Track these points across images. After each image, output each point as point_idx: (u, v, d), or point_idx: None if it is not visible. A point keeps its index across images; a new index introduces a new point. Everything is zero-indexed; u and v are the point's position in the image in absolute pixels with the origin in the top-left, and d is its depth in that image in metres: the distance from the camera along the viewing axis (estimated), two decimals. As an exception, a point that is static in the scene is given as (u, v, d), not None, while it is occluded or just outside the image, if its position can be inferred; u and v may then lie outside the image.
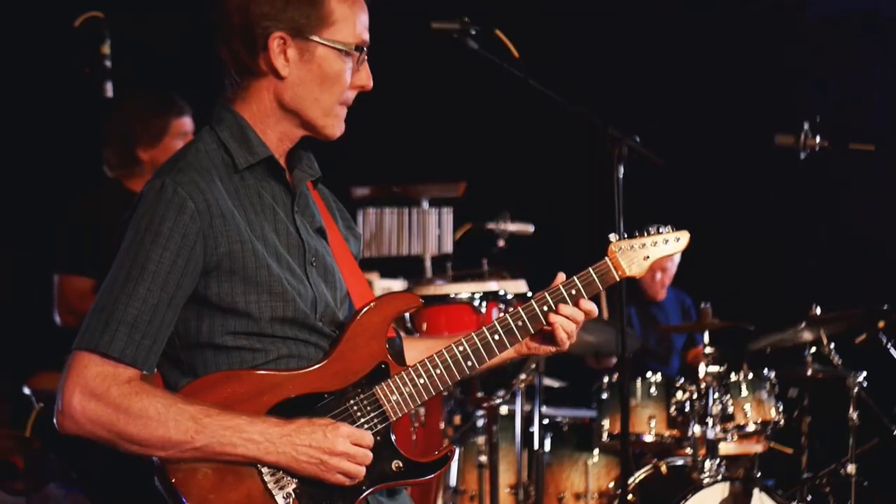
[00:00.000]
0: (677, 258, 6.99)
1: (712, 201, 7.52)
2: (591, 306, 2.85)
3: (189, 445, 2.42)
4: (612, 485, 5.86)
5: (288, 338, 2.57)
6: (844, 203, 7.50)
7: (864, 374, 5.60)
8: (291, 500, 2.50)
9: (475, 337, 2.74)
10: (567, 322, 2.83)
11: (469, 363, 2.72)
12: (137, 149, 4.86)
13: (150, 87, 5.07)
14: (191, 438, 2.42)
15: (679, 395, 5.62)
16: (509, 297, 4.87)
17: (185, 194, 2.47)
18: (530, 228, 5.94)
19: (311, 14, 2.57)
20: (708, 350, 5.59)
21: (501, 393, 5.25)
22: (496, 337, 2.76)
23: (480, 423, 5.58)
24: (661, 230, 2.99)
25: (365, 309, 2.67)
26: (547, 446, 5.83)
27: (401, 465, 2.62)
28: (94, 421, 2.41)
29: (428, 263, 6.27)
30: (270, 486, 2.49)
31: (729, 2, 7.63)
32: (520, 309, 2.80)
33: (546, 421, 5.84)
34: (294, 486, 2.50)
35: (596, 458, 5.90)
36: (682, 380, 5.68)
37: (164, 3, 6.22)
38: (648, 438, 5.66)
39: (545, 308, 2.81)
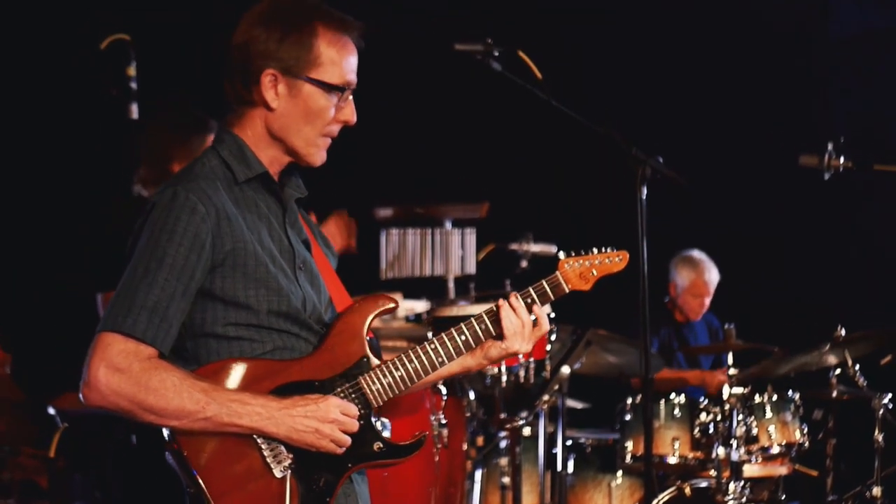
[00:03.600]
0: (716, 276, 7.01)
1: (737, 222, 7.51)
2: (542, 314, 3.17)
3: (200, 415, 2.72)
4: (635, 506, 5.83)
5: (282, 330, 2.88)
6: (869, 224, 7.47)
7: (890, 395, 5.57)
8: (288, 473, 2.80)
9: (444, 336, 3.06)
10: (513, 315, 3.11)
11: (440, 360, 3.03)
12: (172, 166, 4.89)
13: (173, 108, 5.10)
14: (202, 408, 2.71)
15: (703, 416, 5.60)
16: (532, 318, 4.86)
17: (196, 199, 2.79)
18: (553, 249, 5.92)
19: (300, 56, 2.89)
20: (732, 371, 5.57)
21: (524, 414, 5.24)
22: (462, 337, 3.07)
23: (503, 444, 5.57)
24: (604, 250, 3.27)
25: (348, 310, 3.01)
26: (570, 468, 5.81)
27: (381, 446, 2.94)
28: (118, 392, 2.70)
29: (451, 284, 6.26)
30: (269, 460, 2.79)
31: (752, 21, 7.63)
32: (482, 313, 3.10)
33: (569, 442, 5.83)
34: (289, 460, 2.80)
35: (619, 480, 5.88)
36: (706, 401, 5.66)
37: (189, 26, 6.26)
38: (672, 460, 5.64)
39: (503, 312, 3.11)
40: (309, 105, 2.93)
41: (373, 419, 2.96)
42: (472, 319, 3.10)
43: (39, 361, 5.77)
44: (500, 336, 3.12)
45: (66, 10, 6.16)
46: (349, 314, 3.00)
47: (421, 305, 5.82)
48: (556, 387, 5.32)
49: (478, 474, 5.91)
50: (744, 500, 5.28)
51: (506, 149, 7.28)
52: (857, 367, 5.71)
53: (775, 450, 5.61)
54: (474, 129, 7.16)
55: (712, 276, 7.04)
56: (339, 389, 2.91)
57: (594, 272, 3.24)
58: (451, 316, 4.85)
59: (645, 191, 4.16)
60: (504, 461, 5.54)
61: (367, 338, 3.01)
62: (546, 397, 5.27)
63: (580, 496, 5.92)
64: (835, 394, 5.78)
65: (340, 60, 2.94)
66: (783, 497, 5.45)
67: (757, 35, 7.62)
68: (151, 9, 6.10)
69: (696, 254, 7.09)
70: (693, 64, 7.52)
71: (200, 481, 2.74)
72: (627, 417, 5.77)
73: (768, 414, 5.62)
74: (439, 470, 4.62)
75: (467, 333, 3.08)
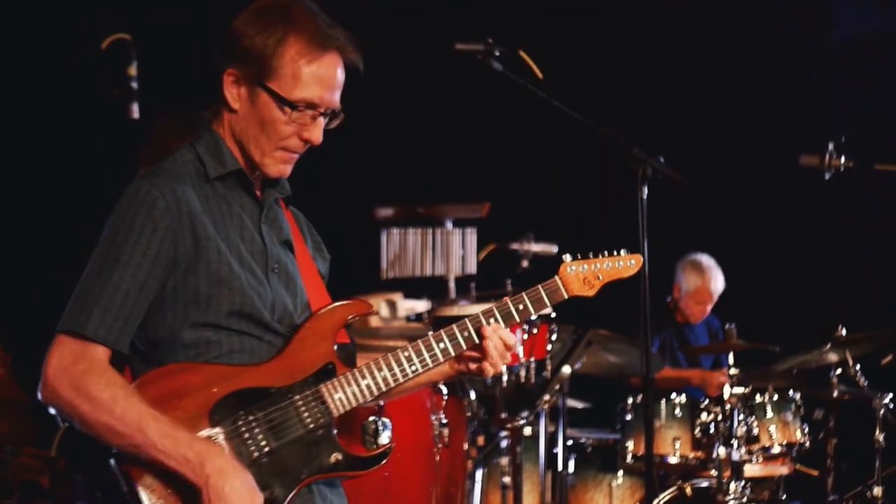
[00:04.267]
0: (721, 285, 6.99)
1: (737, 222, 7.51)
2: (509, 337, 2.95)
3: (129, 441, 2.61)
4: (636, 506, 5.84)
5: (243, 332, 2.77)
6: (869, 224, 7.48)
7: (891, 395, 5.57)
8: None
9: (420, 344, 2.91)
10: (498, 342, 2.94)
11: (413, 368, 2.88)
12: None
13: (176, 107, 5.10)
14: (131, 434, 2.60)
15: (704, 416, 5.60)
16: (534, 317, 4.87)
17: (157, 193, 2.72)
18: (554, 249, 5.93)
19: (262, 62, 2.79)
20: (733, 371, 5.58)
21: (525, 414, 5.24)
22: (441, 345, 2.91)
23: (504, 444, 5.57)
24: (615, 253, 3.11)
25: (316, 314, 2.88)
26: (571, 467, 5.82)
27: (339, 457, 2.80)
28: (59, 395, 2.65)
29: (452, 284, 6.27)
30: None
31: (753, 23, 7.63)
32: (466, 320, 2.93)
33: (570, 442, 5.84)
34: None
35: (620, 480, 5.88)
36: (706, 401, 5.66)
37: (189, 26, 6.27)
38: (673, 460, 5.64)
39: (491, 321, 2.95)
40: (263, 114, 2.82)
41: (333, 430, 2.81)
42: (455, 328, 2.93)
43: (40, 361, 5.77)
44: (481, 349, 2.93)
45: (67, 10, 6.16)
46: (318, 318, 2.88)
47: (422, 305, 5.82)
48: (557, 386, 5.32)
49: (479, 474, 5.91)
50: (745, 499, 5.28)
51: (507, 149, 7.28)
52: (858, 367, 5.72)
53: (776, 450, 5.61)
54: (475, 129, 7.16)
55: (718, 285, 7.03)
56: (297, 397, 2.78)
57: (600, 277, 3.08)
58: (452, 315, 4.84)
59: (646, 191, 4.16)
60: (505, 461, 5.54)
61: (340, 343, 2.88)
62: (547, 397, 5.27)
63: (581, 496, 5.92)
64: (836, 394, 5.78)
65: (305, 76, 2.80)
66: (784, 497, 5.46)
67: (758, 37, 7.62)
68: (152, 9, 6.10)
69: (705, 260, 7.05)
70: (694, 65, 7.52)
71: (142, 496, 2.64)
72: (628, 417, 5.78)
73: (769, 414, 5.62)
74: (440, 469, 4.63)
75: (447, 342, 2.92)
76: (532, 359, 4.96)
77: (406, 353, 2.89)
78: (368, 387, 2.85)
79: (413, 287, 6.09)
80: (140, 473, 2.64)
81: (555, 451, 5.60)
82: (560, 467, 5.56)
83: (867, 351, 5.78)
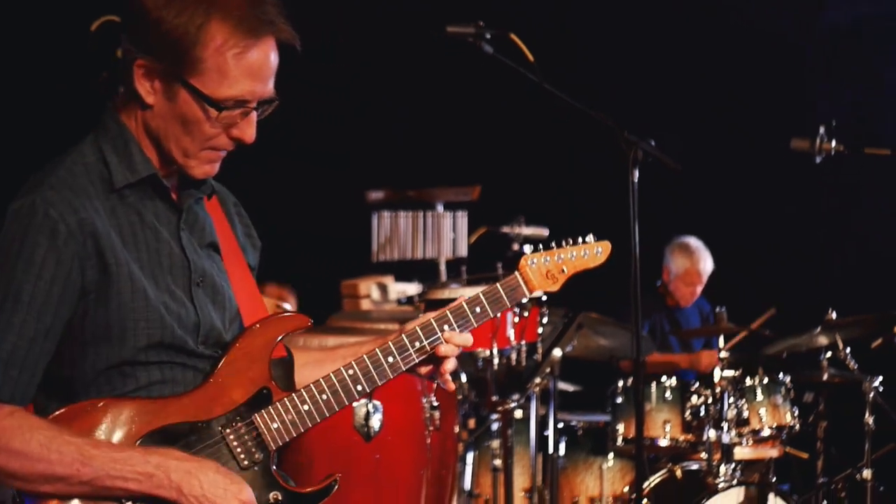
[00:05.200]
0: (710, 266, 6.99)
1: (727, 206, 7.52)
2: (463, 340, 2.66)
3: (76, 479, 2.31)
4: (626, 489, 5.85)
5: (163, 362, 2.44)
6: (860, 208, 7.49)
7: (881, 378, 5.58)
8: None
9: (367, 360, 2.59)
10: (454, 350, 2.65)
11: (359, 387, 2.57)
12: None
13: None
14: (76, 472, 2.30)
15: (694, 399, 5.61)
16: (524, 301, 4.87)
17: (57, 216, 2.33)
18: (545, 232, 5.93)
19: (180, 54, 2.36)
20: (723, 354, 5.59)
21: (516, 397, 5.25)
22: (390, 360, 2.60)
23: (495, 426, 5.58)
24: (580, 241, 2.84)
25: (247, 331, 2.54)
26: (562, 450, 5.82)
27: (279, 496, 2.48)
28: None
29: (442, 267, 6.27)
30: None
31: (745, 7, 7.62)
32: (417, 328, 2.63)
33: (561, 425, 5.84)
34: None
35: (611, 463, 5.89)
36: (696, 384, 5.68)
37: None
38: (663, 443, 5.65)
39: (445, 327, 2.64)
40: (185, 113, 2.40)
41: (272, 466, 2.49)
42: (405, 338, 2.61)
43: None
44: (434, 358, 2.65)
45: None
46: (249, 336, 2.52)
47: (413, 288, 5.83)
48: (548, 369, 5.32)
49: (469, 457, 5.92)
50: (734, 482, 5.30)
51: (498, 132, 7.27)
52: (848, 350, 5.73)
53: (766, 432, 5.62)
54: (466, 112, 7.15)
55: (706, 265, 7.04)
56: (229, 430, 2.45)
57: (564, 269, 2.80)
58: (443, 298, 4.84)
59: (637, 174, 4.15)
60: (496, 444, 5.55)
61: (275, 359, 2.55)
62: (537, 380, 5.28)
63: (571, 478, 5.93)
64: (826, 377, 5.80)
65: (233, 71, 2.38)
66: (774, 479, 5.47)
67: (749, 20, 7.61)
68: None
69: (693, 242, 7.07)
70: (686, 48, 7.52)
71: None
72: (619, 400, 5.78)
73: (759, 397, 5.64)
74: (431, 452, 4.63)
75: (401, 363, 2.61)
76: (523, 342, 4.96)
77: (350, 372, 2.57)
78: (309, 413, 2.52)
79: (404, 270, 6.10)
80: None
81: (545, 433, 5.60)
82: (551, 450, 5.56)
83: (857, 334, 5.79)
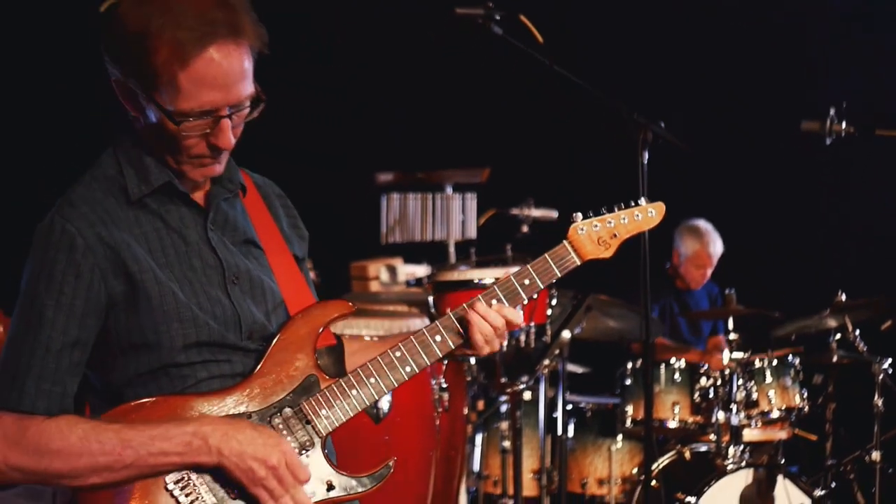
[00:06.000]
0: (720, 248, 6.97)
1: (738, 188, 7.50)
2: (515, 316, 2.63)
3: (120, 464, 2.33)
4: (635, 471, 5.86)
5: (207, 361, 2.46)
6: (870, 190, 7.46)
7: (890, 360, 5.58)
8: None
9: (414, 341, 2.58)
10: (482, 323, 2.60)
11: (408, 368, 2.57)
12: None
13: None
14: (119, 457, 2.33)
15: (703, 381, 5.62)
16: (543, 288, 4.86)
17: (74, 230, 2.38)
18: (554, 214, 5.93)
19: (136, 71, 2.36)
20: (732, 336, 5.58)
21: (525, 378, 5.25)
22: (437, 339, 2.60)
23: (504, 408, 5.59)
24: (633, 204, 2.77)
25: (290, 322, 2.54)
26: (570, 432, 5.84)
27: (332, 482, 2.49)
28: (20, 468, 2.35)
29: (452, 249, 6.28)
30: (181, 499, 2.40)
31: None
32: (465, 306, 2.61)
33: (570, 406, 5.86)
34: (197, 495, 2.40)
35: (619, 444, 5.90)
36: (706, 366, 5.68)
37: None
38: (672, 424, 5.66)
39: (493, 302, 2.62)
40: (159, 126, 2.40)
41: (323, 451, 2.50)
42: (439, 324, 2.60)
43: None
44: (469, 343, 2.62)
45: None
46: (294, 325, 2.54)
47: (422, 270, 5.83)
48: (557, 351, 5.33)
49: (478, 438, 5.94)
50: (743, 464, 5.30)
51: (507, 114, 7.26)
52: (857, 332, 5.73)
53: (775, 414, 5.62)
54: (475, 94, 7.14)
55: (716, 248, 7.02)
56: (278, 420, 2.46)
57: (616, 234, 2.73)
58: (452, 280, 4.85)
59: (646, 155, 4.15)
60: (504, 425, 5.57)
61: (324, 347, 2.58)
62: (546, 362, 5.28)
63: (580, 460, 5.95)
64: (835, 359, 5.80)
65: (183, 84, 2.33)
66: (783, 461, 5.47)
67: (758, 2, 7.58)
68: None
69: (703, 224, 7.04)
70: (695, 30, 7.49)
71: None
72: (628, 382, 5.79)
73: (768, 379, 5.64)
74: (440, 434, 4.64)
75: (449, 341, 2.60)
76: (532, 323, 4.96)
77: (398, 354, 2.57)
78: (358, 397, 2.53)
79: (413, 252, 6.10)
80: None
81: (554, 415, 5.62)
82: (560, 432, 5.58)
83: (866, 316, 5.78)
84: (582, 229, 2.70)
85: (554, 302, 5.09)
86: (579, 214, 2.72)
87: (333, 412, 2.51)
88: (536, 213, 5.93)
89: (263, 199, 2.69)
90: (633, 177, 4.15)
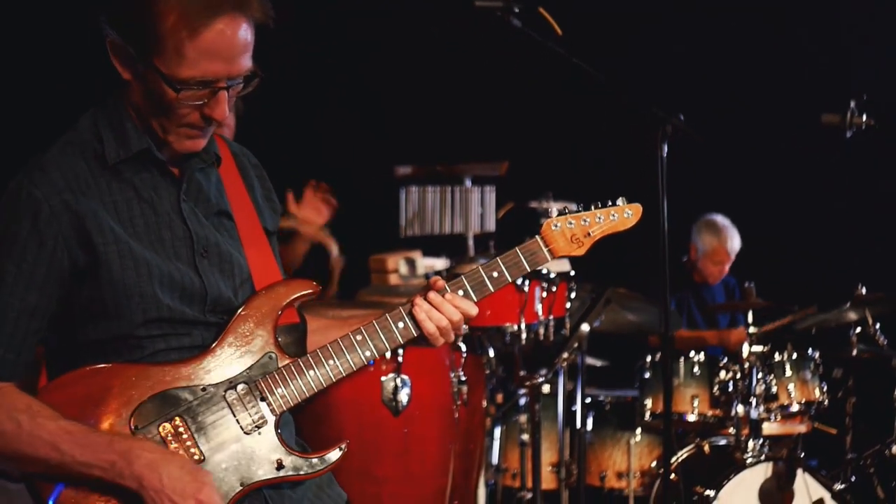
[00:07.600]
0: (737, 244, 6.95)
1: (757, 181, 7.48)
2: (468, 306, 2.60)
3: (46, 463, 2.34)
4: (654, 464, 5.86)
5: (167, 334, 2.44)
6: (891, 182, 7.43)
7: (910, 354, 5.57)
8: None
9: (376, 324, 2.56)
10: (434, 313, 2.58)
11: (367, 353, 2.54)
12: None
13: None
14: (46, 456, 2.33)
15: (722, 374, 5.61)
16: (552, 276, 4.87)
17: (41, 196, 2.35)
18: (573, 207, 5.93)
19: (140, 35, 2.34)
20: (752, 329, 5.57)
21: (544, 371, 5.26)
22: (400, 325, 2.57)
23: (523, 401, 5.59)
24: (609, 203, 2.75)
25: (253, 297, 2.52)
26: (589, 425, 5.84)
27: (282, 461, 2.48)
28: None
29: (470, 242, 6.28)
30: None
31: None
32: (419, 294, 2.61)
33: (588, 400, 5.86)
34: None
35: (638, 437, 5.90)
36: (725, 359, 5.67)
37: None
38: (691, 418, 5.65)
39: (460, 293, 2.60)
40: (154, 91, 2.37)
41: (275, 430, 2.49)
42: (402, 311, 2.58)
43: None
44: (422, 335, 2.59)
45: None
46: (256, 301, 2.51)
47: (440, 263, 5.83)
48: (576, 344, 5.32)
49: (497, 431, 5.94)
50: (762, 457, 5.30)
51: (526, 107, 7.25)
52: (878, 325, 5.71)
53: (794, 408, 5.61)
54: (494, 87, 7.13)
55: (734, 243, 7.00)
56: (233, 395, 2.45)
57: (591, 233, 2.71)
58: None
59: (665, 149, 4.14)
60: (523, 418, 5.57)
61: (286, 325, 2.54)
62: (565, 355, 5.28)
63: (599, 454, 5.95)
64: (855, 352, 5.78)
65: (189, 52, 2.32)
66: (802, 455, 5.46)
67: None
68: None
69: (720, 220, 7.02)
70: (714, 22, 7.46)
71: None
72: (647, 375, 5.79)
73: (788, 372, 5.62)
74: (459, 427, 4.65)
75: (412, 328, 2.57)
76: (551, 317, 4.96)
77: (359, 337, 2.55)
78: (315, 378, 2.51)
79: (432, 245, 6.10)
80: (50, 489, 2.37)
81: (573, 408, 5.61)
82: (578, 425, 5.58)
83: (887, 310, 5.77)
84: (556, 225, 2.70)
85: (573, 295, 5.09)
86: (555, 210, 2.73)
87: (289, 391, 2.49)
88: (555, 205, 5.92)
89: (239, 169, 2.66)
90: (651, 170, 4.14)
